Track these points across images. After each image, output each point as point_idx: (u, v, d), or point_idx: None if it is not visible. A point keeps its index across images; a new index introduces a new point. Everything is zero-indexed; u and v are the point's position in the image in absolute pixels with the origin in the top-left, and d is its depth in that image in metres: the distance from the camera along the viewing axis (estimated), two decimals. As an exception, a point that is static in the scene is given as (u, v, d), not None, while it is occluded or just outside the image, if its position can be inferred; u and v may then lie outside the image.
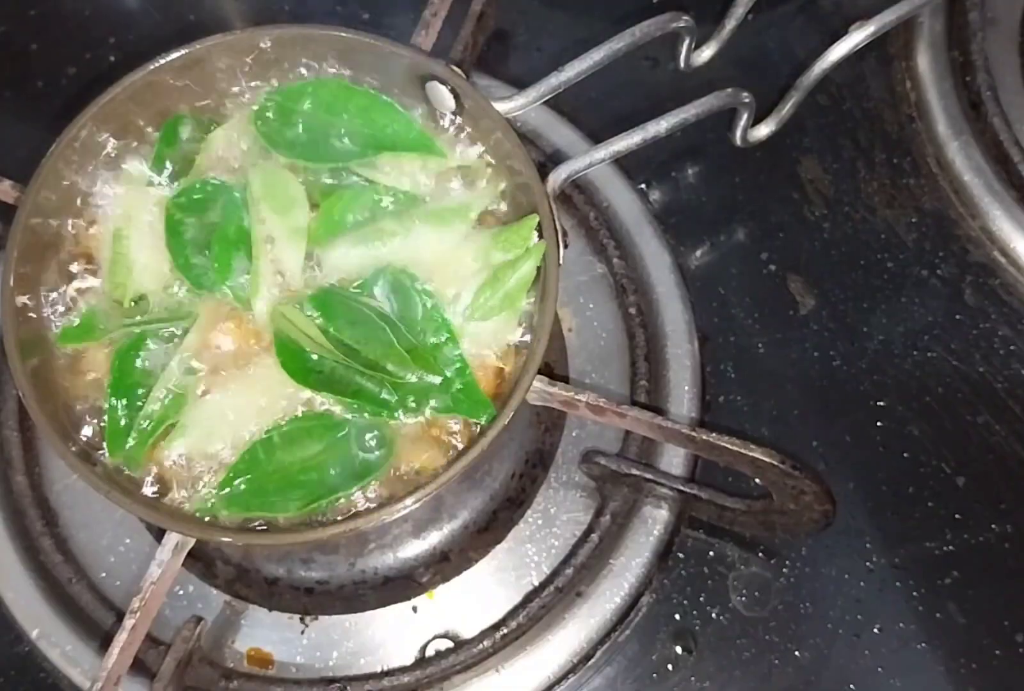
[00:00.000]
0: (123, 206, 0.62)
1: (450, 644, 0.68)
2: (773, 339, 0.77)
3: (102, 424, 0.59)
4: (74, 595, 0.70)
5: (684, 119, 0.62)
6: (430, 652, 0.68)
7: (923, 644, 0.70)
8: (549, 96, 0.63)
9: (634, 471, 0.68)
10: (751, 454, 0.54)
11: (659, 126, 0.62)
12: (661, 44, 0.66)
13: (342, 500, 0.56)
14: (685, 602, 0.71)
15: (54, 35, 0.88)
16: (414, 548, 0.68)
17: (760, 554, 0.72)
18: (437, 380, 0.57)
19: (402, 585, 0.69)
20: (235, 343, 0.59)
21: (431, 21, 0.67)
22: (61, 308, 0.61)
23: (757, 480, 0.58)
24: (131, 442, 0.57)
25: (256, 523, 0.57)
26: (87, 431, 0.59)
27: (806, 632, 0.70)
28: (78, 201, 0.62)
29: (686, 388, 0.73)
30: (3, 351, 0.57)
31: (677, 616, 0.71)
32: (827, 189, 0.81)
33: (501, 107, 0.62)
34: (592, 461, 0.69)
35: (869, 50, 0.74)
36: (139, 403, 0.57)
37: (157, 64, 0.61)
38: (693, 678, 0.69)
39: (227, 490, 0.56)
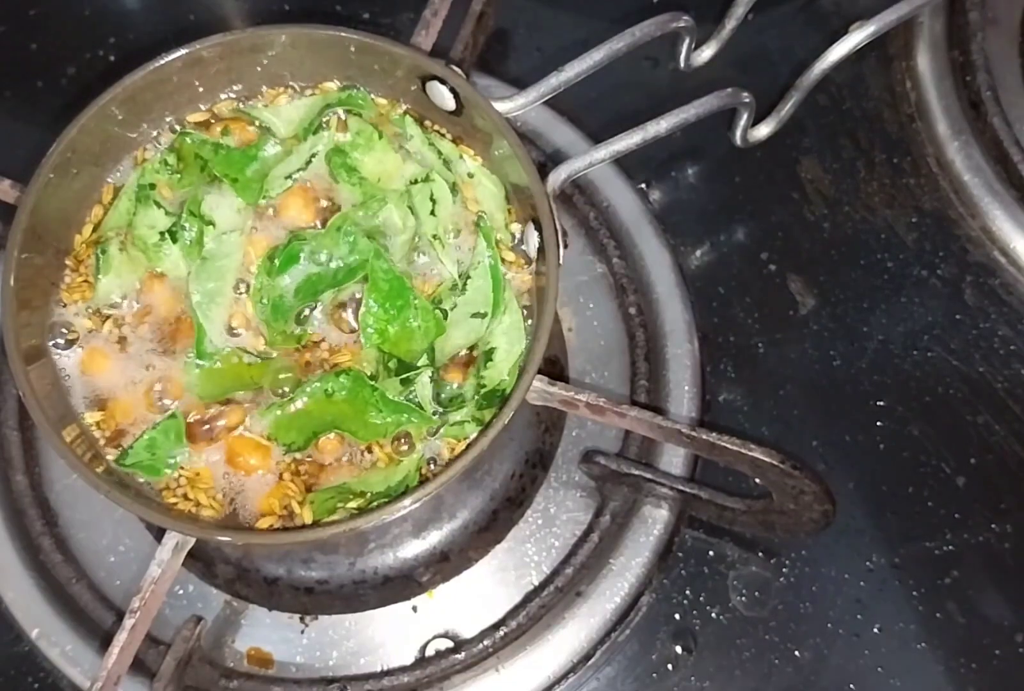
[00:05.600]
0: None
1: (450, 644, 0.68)
2: (773, 339, 0.77)
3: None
4: (74, 595, 0.70)
5: (684, 119, 0.62)
6: (430, 652, 0.68)
7: (923, 644, 0.70)
8: (549, 96, 0.63)
9: (634, 471, 0.68)
10: (751, 454, 0.54)
11: (659, 126, 0.62)
12: (661, 44, 0.66)
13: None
14: (685, 602, 0.71)
15: (54, 35, 0.88)
16: (414, 548, 0.68)
17: (760, 554, 0.72)
18: None
19: (402, 585, 0.69)
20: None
21: (431, 21, 0.67)
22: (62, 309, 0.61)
23: (757, 480, 0.58)
24: None
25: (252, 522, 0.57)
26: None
27: (806, 632, 0.70)
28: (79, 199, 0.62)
29: (686, 388, 0.73)
30: (3, 351, 0.57)
31: (677, 616, 0.71)
32: (827, 189, 0.81)
33: (501, 107, 0.62)
34: (592, 461, 0.69)
35: (869, 50, 0.74)
36: None
37: (157, 64, 0.61)
38: (693, 678, 0.69)
39: None
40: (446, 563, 0.69)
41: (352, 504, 0.57)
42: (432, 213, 0.62)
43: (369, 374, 0.59)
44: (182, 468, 0.59)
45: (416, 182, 0.62)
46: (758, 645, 0.70)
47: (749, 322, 0.78)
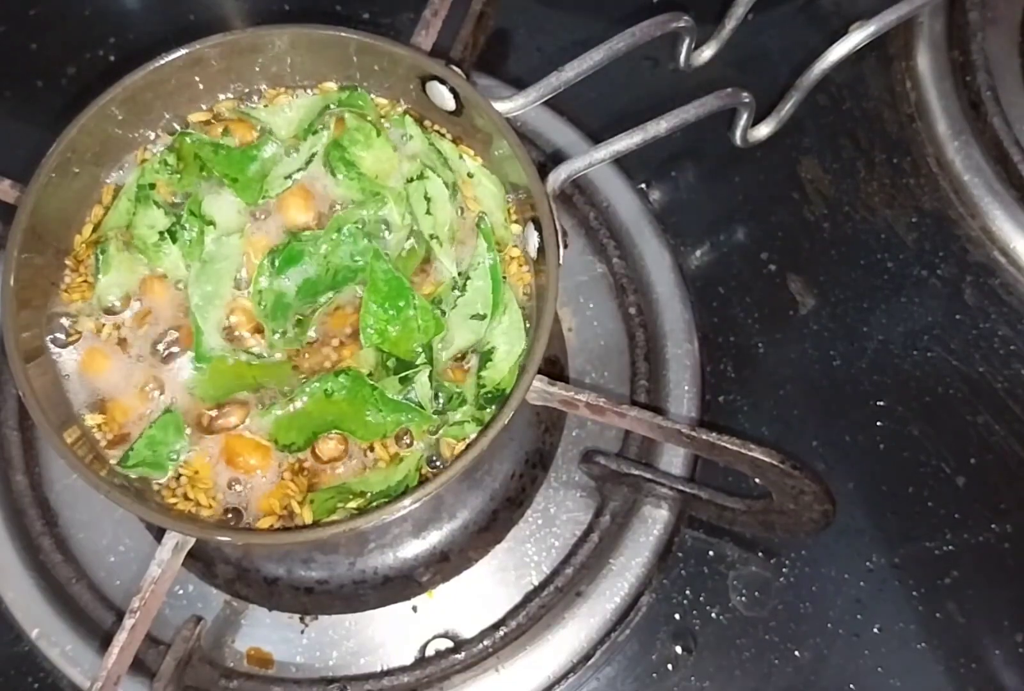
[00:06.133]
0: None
1: (450, 644, 0.68)
2: (773, 339, 0.77)
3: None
4: (74, 595, 0.70)
5: (684, 119, 0.62)
6: (430, 652, 0.68)
7: (923, 644, 0.70)
8: (549, 96, 0.63)
9: (634, 471, 0.68)
10: (751, 454, 0.54)
11: (659, 126, 0.62)
12: (661, 44, 0.66)
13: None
14: (685, 602, 0.71)
15: (54, 35, 0.88)
16: (414, 548, 0.68)
17: (760, 554, 0.72)
18: None
19: (402, 585, 0.69)
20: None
21: (431, 21, 0.67)
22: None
23: (757, 480, 0.58)
24: None
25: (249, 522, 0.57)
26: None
27: (806, 632, 0.70)
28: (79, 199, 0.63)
29: (686, 388, 0.73)
30: (3, 351, 0.57)
31: (677, 616, 0.71)
32: (827, 189, 0.81)
33: (501, 107, 0.62)
34: (592, 461, 0.69)
35: (869, 50, 0.74)
36: None
37: (157, 64, 0.61)
38: (693, 678, 0.69)
39: None
40: (446, 563, 0.69)
41: (352, 504, 0.57)
42: (427, 212, 0.62)
43: (367, 373, 0.59)
44: (184, 463, 0.59)
45: (412, 180, 0.62)
46: (758, 645, 0.70)
47: (749, 322, 0.78)
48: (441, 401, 0.59)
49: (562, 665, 0.68)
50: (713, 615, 0.70)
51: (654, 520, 0.70)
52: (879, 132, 0.82)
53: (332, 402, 0.59)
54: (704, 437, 0.55)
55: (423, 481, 0.57)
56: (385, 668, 0.68)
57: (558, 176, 0.61)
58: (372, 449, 0.59)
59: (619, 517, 0.70)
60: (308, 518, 0.57)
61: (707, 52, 0.75)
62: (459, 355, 0.60)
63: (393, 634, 0.69)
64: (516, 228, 0.62)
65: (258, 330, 0.61)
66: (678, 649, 0.70)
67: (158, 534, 0.65)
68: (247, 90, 0.65)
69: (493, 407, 0.58)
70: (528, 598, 0.69)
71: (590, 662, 0.69)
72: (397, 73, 0.62)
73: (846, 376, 0.76)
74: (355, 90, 0.64)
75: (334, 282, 0.61)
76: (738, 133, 0.73)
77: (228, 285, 0.61)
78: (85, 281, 0.62)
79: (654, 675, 0.70)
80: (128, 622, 0.56)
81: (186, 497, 0.58)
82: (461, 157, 0.63)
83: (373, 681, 0.67)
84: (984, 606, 0.70)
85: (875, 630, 0.70)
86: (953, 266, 0.78)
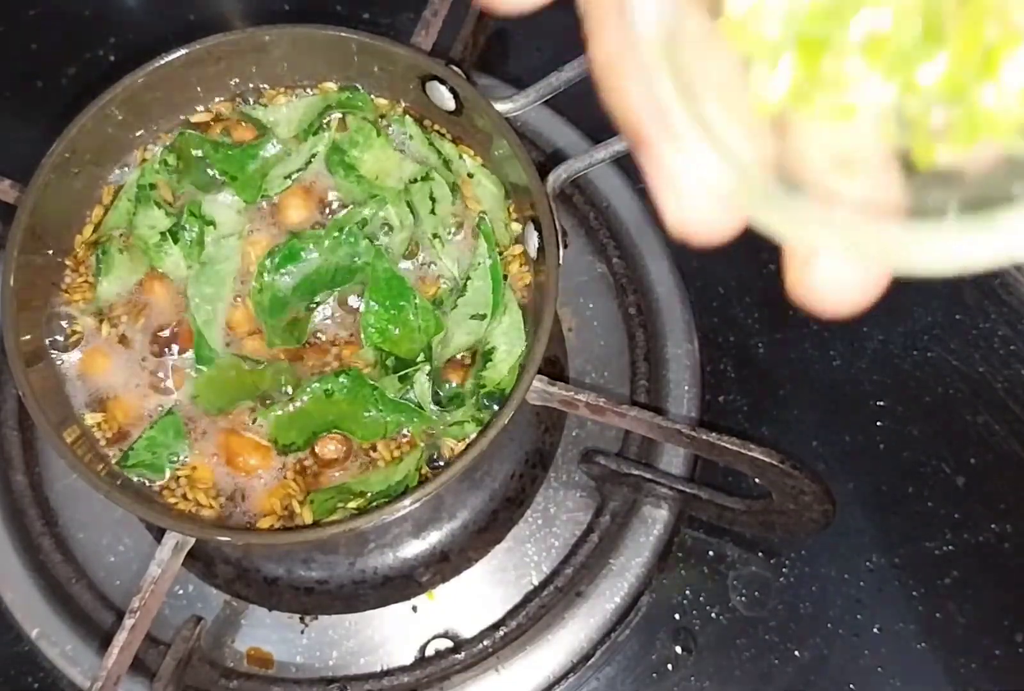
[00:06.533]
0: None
1: (450, 644, 0.68)
2: (773, 339, 0.77)
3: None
4: (74, 595, 0.70)
5: (684, 119, 0.62)
6: (430, 652, 0.68)
7: (923, 644, 0.70)
8: (549, 96, 0.63)
9: (634, 471, 0.68)
10: (751, 454, 0.54)
11: (659, 126, 0.61)
12: (661, 44, 0.66)
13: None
14: (685, 602, 0.71)
15: (54, 35, 0.88)
16: (414, 548, 0.68)
17: (760, 554, 0.72)
18: None
19: (402, 585, 0.69)
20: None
21: (431, 21, 0.67)
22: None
23: (757, 480, 0.58)
24: None
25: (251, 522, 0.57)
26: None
27: (806, 632, 0.70)
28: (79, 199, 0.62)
29: (686, 388, 0.73)
30: (3, 351, 0.57)
31: (677, 616, 0.71)
32: (827, 189, 0.81)
33: (501, 107, 0.62)
34: (592, 461, 0.69)
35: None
36: None
37: (157, 64, 0.61)
38: (693, 678, 0.69)
39: None
40: (446, 563, 0.69)
41: (352, 504, 0.57)
42: (432, 212, 0.62)
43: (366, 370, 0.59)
44: (183, 466, 0.59)
45: (415, 181, 0.62)
46: (758, 645, 0.70)
47: (749, 322, 0.78)
48: (441, 401, 0.59)
49: (562, 665, 0.68)
50: (713, 615, 0.70)
51: (654, 520, 0.70)
52: (879, 132, 0.82)
53: (332, 402, 0.59)
54: (704, 437, 0.55)
55: (423, 481, 0.57)
56: (385, 668, 0.68)
57: (558, 176, 0.61)
58: (373, 449, 0.59)
59: (619, 517, 0.70)
60: (308, 518, 0.57)
61: (707, 52, 0.75)
62: (459, 355, 0.61)
63: (393, 634, 0.69)
64: (516, 228, 0.62)
65: (258, 331, 0.61)
66: (678, 649, 0.70)
67: (158, 534, 0.65)
68: (247, 90, 0.65)
69: (493, 407, 0.58)
70: (528, 598, 0.69)
71: (590, 662, 0.69)
72: (397, 73, 0.62)
73: (846, 376, 0.76)
74: (355, 90, 0.64)
75: (333, 282, 0.61)
76: (738, 133, 0.73)
77: (228, 286, 0.61)
78: (85, 281, 0.62)
79: (654, 675, 0.70)
80: (128, 622, 0.56)
81: (186, 497, 0.58)
82: (461, 157, 0.63)
83: (373, 681, 0.67)
84: (984, 606, 0.70)
85: (875, 630, 0.70)
86: (953, 266, 0.78)
